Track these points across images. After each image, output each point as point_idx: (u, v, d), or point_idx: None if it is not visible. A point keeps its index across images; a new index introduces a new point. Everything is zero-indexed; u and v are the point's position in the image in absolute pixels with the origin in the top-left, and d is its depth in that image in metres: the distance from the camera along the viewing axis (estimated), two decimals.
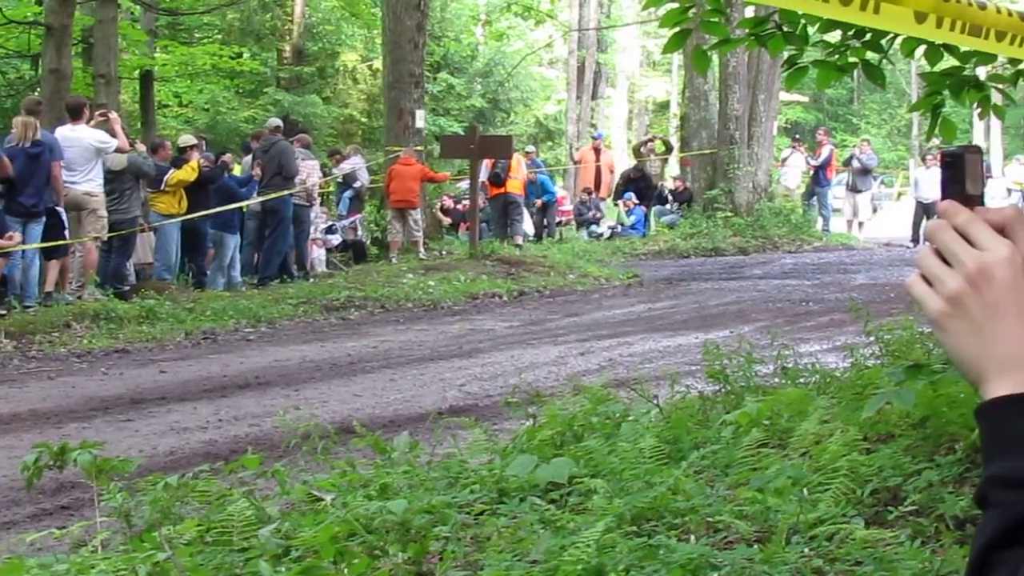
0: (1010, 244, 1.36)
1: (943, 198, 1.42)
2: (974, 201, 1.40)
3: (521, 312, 17.13)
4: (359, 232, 23.35)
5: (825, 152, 30.20)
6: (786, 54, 6.24)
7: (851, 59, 6.13)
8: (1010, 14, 4.12)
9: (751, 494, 4.86)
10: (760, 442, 5.66)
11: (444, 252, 22.95)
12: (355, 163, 24.09)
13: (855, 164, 30.16)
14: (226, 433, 9.32)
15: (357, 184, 23.86)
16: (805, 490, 4.88)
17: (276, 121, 21.05)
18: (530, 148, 30.17)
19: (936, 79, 6.23)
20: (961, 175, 1.42)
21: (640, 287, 20.01)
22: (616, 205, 30.01)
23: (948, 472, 4.96)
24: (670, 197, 29.95)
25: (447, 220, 27.66)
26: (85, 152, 16.02)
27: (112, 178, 16.54)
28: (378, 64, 32.12)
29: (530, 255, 22.29)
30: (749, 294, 18.47)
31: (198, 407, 10.39)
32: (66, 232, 15.85)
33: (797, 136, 37.19)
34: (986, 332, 1.34)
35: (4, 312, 14.64)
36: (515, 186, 25.48)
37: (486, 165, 24.05)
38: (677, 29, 5.90)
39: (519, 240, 24.53)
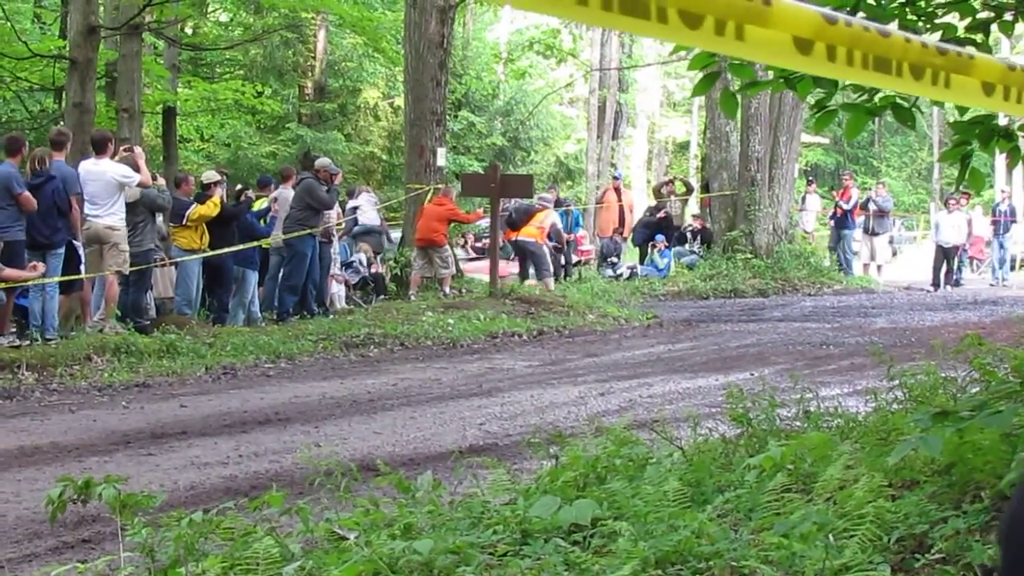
0: None
1: None
2: None
3: (540, 351, 17.12)
4: (369, 269, 23.31)
5: (854, 195, 30.16)
6: (813, 98, 6.23)
7: (879, 103, 6.09)
8: None
9: (776, 539, 4.83)
10: (784, 487, 5.63)
11: (464, 290, 22.96)
12: (358, 202, 24.15)
13: (872, 207, 30.21)
14: (246, 469, 9.31)
15: (357, 226, 23.81)
16: (831, 536, 4.85)
17: (326, 161, 21.02)
18: (551, 187, 30.33)
19: (965, 128, 6.18)
20: None
21: (659, 328, 19.99)
22: (637, 247, 30.10)
23: (975, 520, 4.92)
24: (690, 238, 29.98)
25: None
26: (108, 186, 16.06)
27: (126, 210, 16.52)
28: (400, 101, 32.28)
29: (549, 295, 22.29)
30: (769, 336, 18.43)
31: (218, 442, 10.39)
32: (82, 267, 15.87)
33: (811, 179, 37.21)
34: None
35: (26, 344, 14.69)
36: (530, 232, 25.21)
37: None
38: (705, 72, 5.90)
39: (550, 285, 24.23)
